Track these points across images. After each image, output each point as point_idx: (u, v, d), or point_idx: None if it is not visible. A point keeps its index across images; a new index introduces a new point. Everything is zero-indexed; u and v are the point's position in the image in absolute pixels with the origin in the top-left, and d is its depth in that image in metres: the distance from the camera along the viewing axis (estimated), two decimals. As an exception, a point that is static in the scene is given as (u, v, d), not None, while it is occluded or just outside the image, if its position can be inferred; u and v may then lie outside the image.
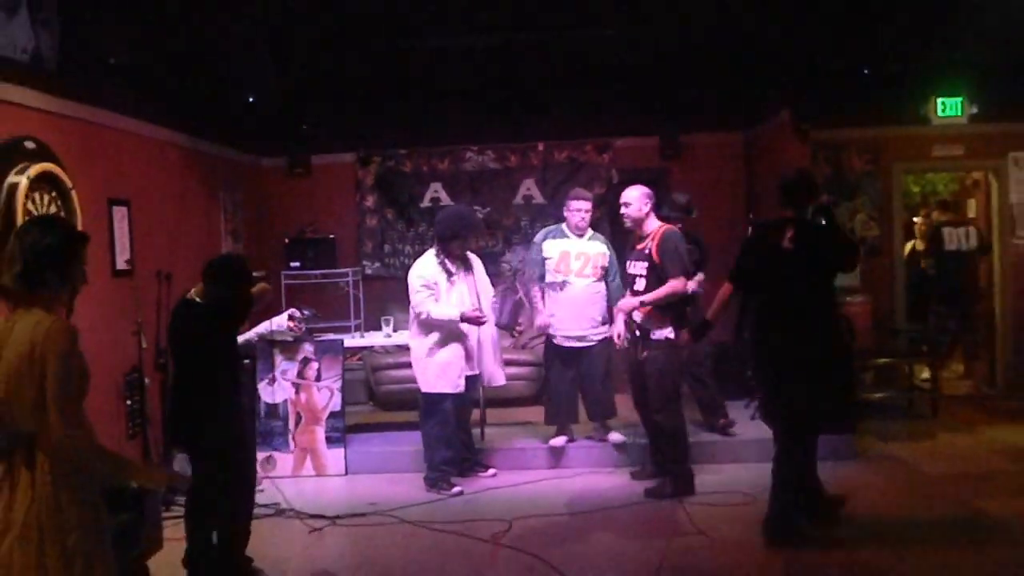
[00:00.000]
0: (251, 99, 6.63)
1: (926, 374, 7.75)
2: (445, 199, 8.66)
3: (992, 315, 8.24)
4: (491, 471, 6.12)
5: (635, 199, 5.57)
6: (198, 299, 4.24)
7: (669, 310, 5.46)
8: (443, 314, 5.67)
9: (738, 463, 6.13)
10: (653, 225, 5.60)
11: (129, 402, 5.55)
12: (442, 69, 7.43)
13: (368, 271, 8.71)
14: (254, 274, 4.62)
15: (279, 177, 8.82)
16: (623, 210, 5.62)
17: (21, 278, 2.53)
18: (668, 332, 5.44)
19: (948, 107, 7.86)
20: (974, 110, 7.86)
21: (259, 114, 7.25)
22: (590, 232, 6.26)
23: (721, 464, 6.13)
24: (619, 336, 5.66)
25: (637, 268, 5.56)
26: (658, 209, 5.82)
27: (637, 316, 5.51)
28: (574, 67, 7.37)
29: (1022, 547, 4.48)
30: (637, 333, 5.53)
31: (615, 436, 6.31)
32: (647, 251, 5.49)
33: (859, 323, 7.31)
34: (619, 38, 6.82)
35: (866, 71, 7.09)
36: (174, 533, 4.83)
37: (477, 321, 5.72)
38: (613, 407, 6.32)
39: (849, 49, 6.76)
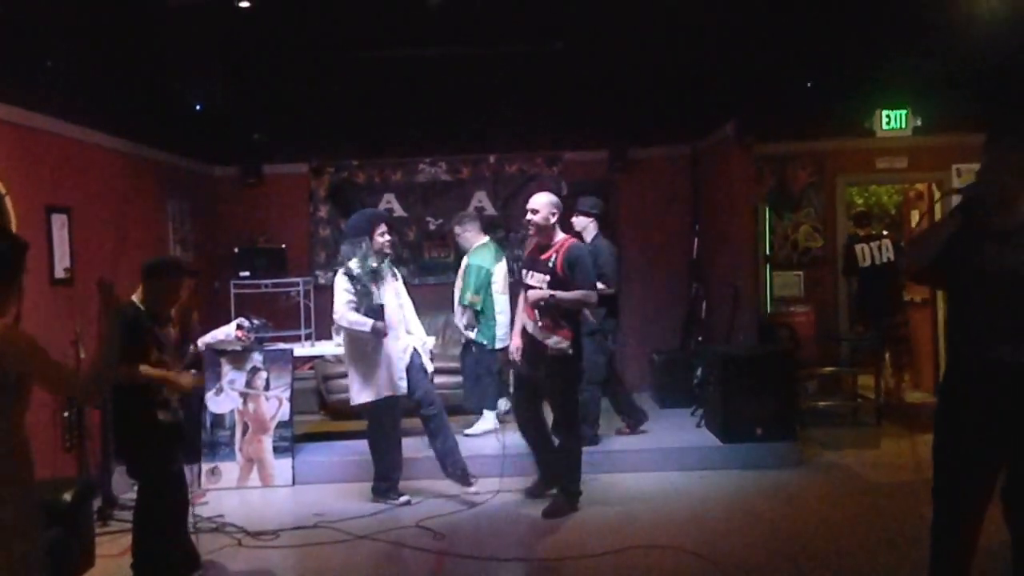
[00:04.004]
0: (198, 107, 6.57)
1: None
2: (398, 210, 8.69)
3: (933, 324, 8.38)
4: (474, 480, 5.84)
5: (543, 205, 5.28)
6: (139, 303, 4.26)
7: (569, 322, 5.28)
8: (358, 323, 5.54)
9: (683, 471, 6.20)
10: (558, 236, 5.37)
11: (67, 414, 5.46)
12: (395, 81, 7.44)
13: (321, 280, 8.67)
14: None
15: (231, 186, 8.76)
16: (530, 216, 5.32)
17: None
18: (568, 346, 5.25)
19: (893, 120, 8.01)
20: (918, 123, 8.01)
21: (209, 123, 7.20)
22: (477, 242, 6.96)
23: (667, 472, 6.19)
24: (516, 350, 5.49)
25: (536, 280, 5.30)
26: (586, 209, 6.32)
27: (536, 332, 5.28)
28: (525, 80, 7.42)
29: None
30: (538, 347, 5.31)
31: (469, 430, 6.84)
32: (551, 263, 5.26)
33: (803, 332, 7.43)
34: (569, 53, 6.88)
35: (810, 84, 7.22)
36: (108, 550, 4.77)
37: (384, 334, 5.61)
38: (474, 405, 6.96)
39: (794, 63, 6.87)
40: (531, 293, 5.26)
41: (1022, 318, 3.04)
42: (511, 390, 5.86)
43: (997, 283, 3.08)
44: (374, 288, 5.64)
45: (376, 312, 5.58)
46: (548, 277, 5.25)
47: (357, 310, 5.56)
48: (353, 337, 5.66)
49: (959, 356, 3.23)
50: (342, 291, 5.60)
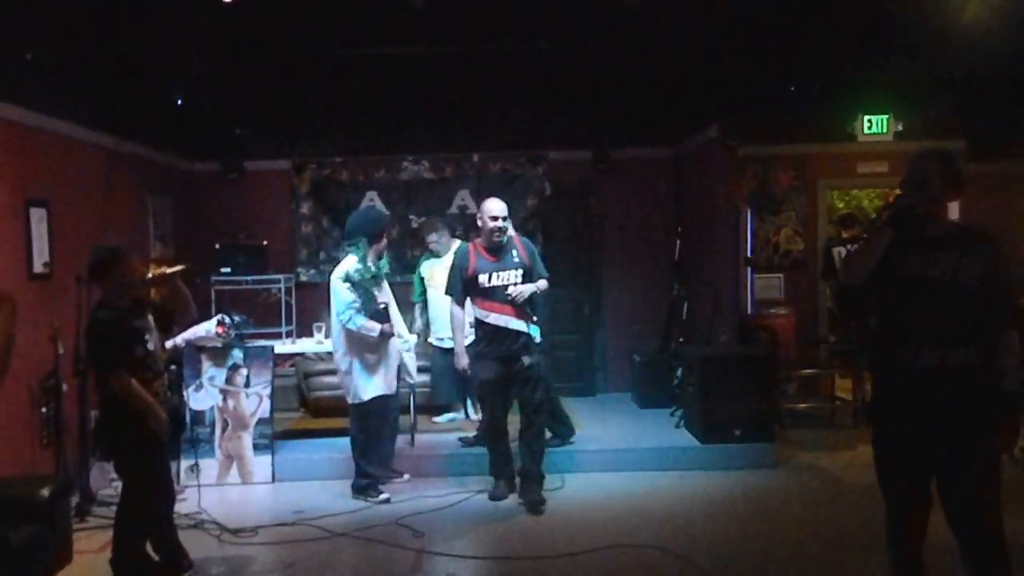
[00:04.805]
0: (180, 101, 6.53)
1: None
2: (381, 208, 8.64)
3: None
4: (405, 476, 6.10)
5: (504, 210, 5.51)
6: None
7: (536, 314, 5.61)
8: (366, 327, 5.59)
9: (662, 471, 6.25)
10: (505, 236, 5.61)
11: (44, 409, 5.42)
12: (379, 79, 7.43)
13: (303, 277, 8.66)
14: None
15: (212, 182, 8.70)
16: (503, 224, 5.48)
17: None
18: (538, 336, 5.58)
19: (874, 124, 8.07)
20: (899, 128, 8.07)
21: (191, 117, 7.15)
22: (453, 247, 6.70)
23: (646, 472, 6.22)
24: (469, 365, 5.65)
25: (510, 277, 5.46)
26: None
27: (520, 325, 5.47)
28: (509, 80, 7.42)
29: (933, 556, 4.60)
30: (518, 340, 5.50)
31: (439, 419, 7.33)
32: (517, 259, 5.50)
33: (783, 335, 7.48)
34: (553, 53, 6.89)
35: (793, 88, 7.27)
36: (87, 546, 4.76)
37: (391, 335, 5.77)
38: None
39: (777, 66, 6.91)
40: (523, 288, 5.42)
41: (949, 325, 3.10)
42: (485, 398, 5.85)
43: (924, 291, 3.13)
44: (376, 291, 5.72)
45: (381, 315, 5.69)
46: (521, 271, 5.46)
47: (362, 312, 5.60)
48: (355, 335, 5.66)
49: (887, 365, 3.25)
50: (345, 291, 5.59)
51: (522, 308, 5.48)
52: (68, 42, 5.61)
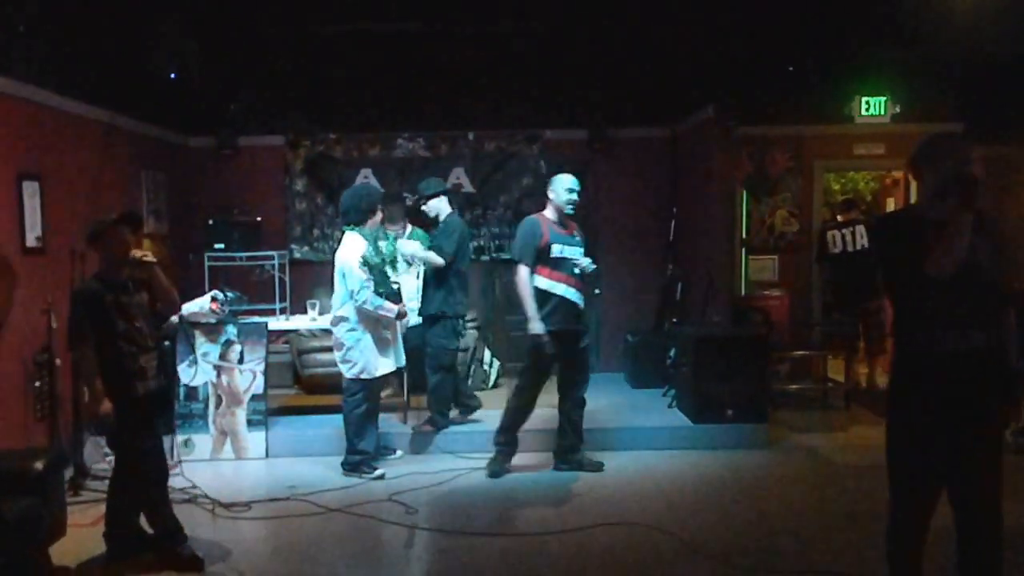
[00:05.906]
0: (173, 76, 6.48)
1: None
2: (375, 184, 8.61)
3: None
4: (398, 453, 6.23)
5: (578, 185, 5.66)
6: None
7: None
8: (384, 308, 5.68)
9: (654, 450, 6.29)
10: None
11: (38, 383, 5.41)
12: (375, 55, 7.39)
13: (296, 254, 8.64)
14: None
15: (206, 157, 8.65)
16: (576, 197, 5.64)
17: None
18: None
19: (872, 106, 8.06)
20: (896, 110, 8.07)
21: (185, 92, 7.10)
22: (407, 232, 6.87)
23: (638, 452, 6.25)
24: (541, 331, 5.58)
25: (574, 252, 5.62)
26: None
27: (582, 300, 5.65)
28: (506, 58, 7.40)
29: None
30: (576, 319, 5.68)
31: None
32: (578, 236, 5.71)
33: (777, 316, 7.50)
34: (550, 32, 6.86)
35: (791, 69, 7.25)
36: (80, 519, 4.77)
37: (405, 315, 5.94)
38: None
39: (775, 47, 6.90)
40: (589, 261, 5.64)
41: (969, 307, 3.08)
42: (535, 372, 5.76)
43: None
44: (390, 272, 5.89)
45: (396, 295, 5.89)
46: (583, 248, 5.69)
47: (378, 294, 5.70)
48: (367, 313, 5.70)
49: (907, 349, 3.22)
50: (359, 271, 5.60)
51: (583, 282, 5.66)
52: (62, 15, 5.56)
